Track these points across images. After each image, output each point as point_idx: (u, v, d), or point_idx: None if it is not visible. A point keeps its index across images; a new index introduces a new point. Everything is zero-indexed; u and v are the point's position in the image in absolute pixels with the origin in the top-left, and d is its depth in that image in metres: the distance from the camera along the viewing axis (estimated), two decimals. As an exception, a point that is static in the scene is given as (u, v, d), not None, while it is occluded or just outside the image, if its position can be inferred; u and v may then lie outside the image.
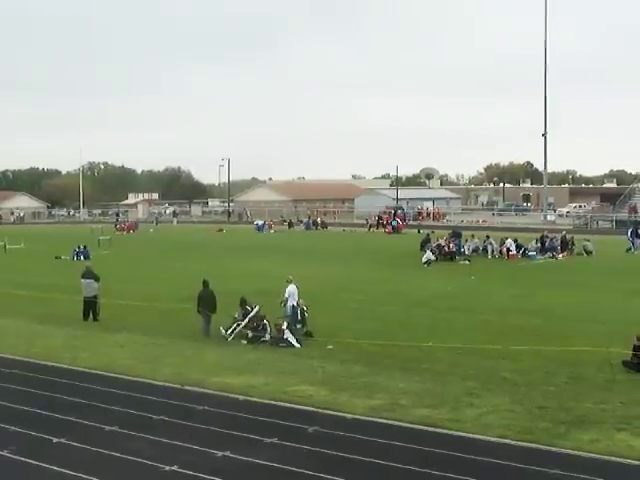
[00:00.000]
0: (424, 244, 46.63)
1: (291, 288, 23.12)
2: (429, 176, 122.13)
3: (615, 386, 16.30)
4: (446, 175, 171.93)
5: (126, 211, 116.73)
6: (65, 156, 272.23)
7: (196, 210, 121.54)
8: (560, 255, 46.18)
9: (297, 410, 14.96)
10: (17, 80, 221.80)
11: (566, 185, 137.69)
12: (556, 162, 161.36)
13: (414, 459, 12.05)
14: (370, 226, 77.16)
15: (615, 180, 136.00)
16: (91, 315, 25.41)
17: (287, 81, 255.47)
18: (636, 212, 74.12)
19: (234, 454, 12.32)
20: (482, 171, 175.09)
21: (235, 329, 22.00)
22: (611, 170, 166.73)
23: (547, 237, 48.99)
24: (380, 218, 78.84)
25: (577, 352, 18.73)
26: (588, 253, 47.08)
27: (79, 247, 47.22)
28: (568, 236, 49.87)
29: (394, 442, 12.85)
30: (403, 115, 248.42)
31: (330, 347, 20.48)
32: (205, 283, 23.12)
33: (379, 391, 16.15)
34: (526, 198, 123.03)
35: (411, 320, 24.88)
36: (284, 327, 21.27)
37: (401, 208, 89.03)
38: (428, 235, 50.27)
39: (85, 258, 44.33)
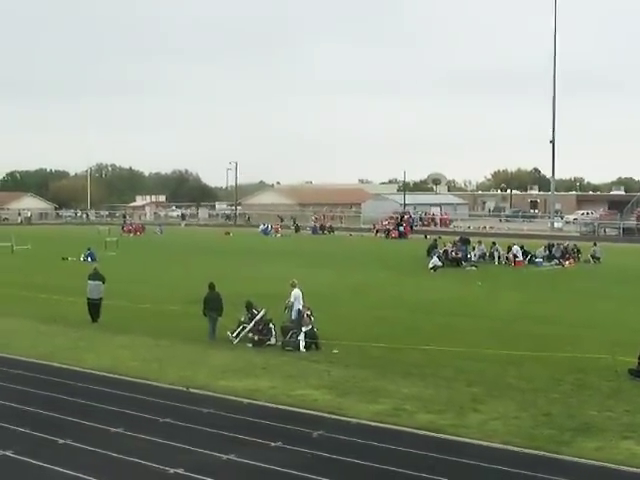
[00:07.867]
0: (431, 249, 46.62)
1: (296, 292, 23.07)
2: (436, 181, 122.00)
3: (621, 394, 16.26)
4: (453, 181, 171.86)
5: (132, 213, 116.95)
6: (73, 157, 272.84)
7: (203, 213, 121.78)
8: (567, 262, 46.13)
9: (302, 414, 14.96)
10: (25, 81, 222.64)
11: (573, 192, 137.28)
12: (564, 169, 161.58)
13: (418, 465, 12.03)
14: (377, 231, 76.97)
15: (623, 187, 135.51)
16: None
17: (295, 85, 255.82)
18: (644, 220, 73.96)
19: (239, 457, 12.32)
20: (489, 177, 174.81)
21: (241, 332, 22.02)
22: (619, 177, 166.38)
23: (554, 245, 49.01)
24: (388, 230, 75.92)
25: (583, 359, 18.71)
26: (596, 259, 47.01)
27: (89, 249, 47.30)
28: (571, 243, 49.98)
29: (398, 447, 12.84)
30: (411, 120, 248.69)
31: (336, 351, 20.48)
32: (211, 286, 23.12)
33: (384, 396, 16.13)
34: (533, 205, 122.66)
35: (417, 325, 24.86)
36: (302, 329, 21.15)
37: (408, 213, 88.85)
38: (435, 241, 50.24)
39: (92, 260, 44.31)
